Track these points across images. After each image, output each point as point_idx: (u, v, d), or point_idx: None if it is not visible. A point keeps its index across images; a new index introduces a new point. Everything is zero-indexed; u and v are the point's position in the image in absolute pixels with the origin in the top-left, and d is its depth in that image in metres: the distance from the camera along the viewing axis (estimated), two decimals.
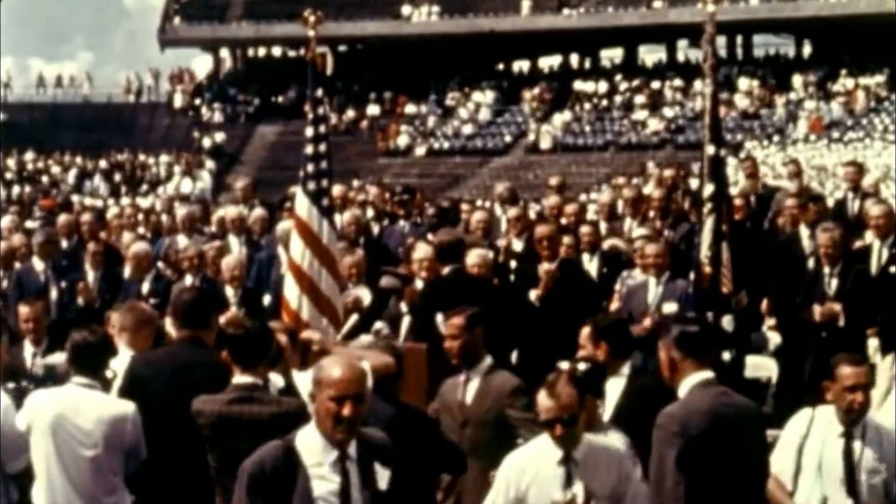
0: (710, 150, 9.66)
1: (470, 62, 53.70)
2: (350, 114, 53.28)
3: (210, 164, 50.98)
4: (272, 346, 6.74)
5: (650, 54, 57.24)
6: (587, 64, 57.06)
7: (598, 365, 7.02)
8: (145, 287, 11.96)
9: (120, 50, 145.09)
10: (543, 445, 6.06)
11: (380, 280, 10.81)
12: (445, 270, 10.24)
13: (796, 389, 10.45)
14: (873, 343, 10.57)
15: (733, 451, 6.08)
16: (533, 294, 10.83)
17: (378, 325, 10.09)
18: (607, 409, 7.20)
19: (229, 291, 11.78)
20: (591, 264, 11.86)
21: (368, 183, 24.83)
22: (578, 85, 52.65)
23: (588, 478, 5.97)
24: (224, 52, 61.15)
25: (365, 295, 10.83)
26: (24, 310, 9.44)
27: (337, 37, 50.71)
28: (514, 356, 10.53)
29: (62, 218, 15.05)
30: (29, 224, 18.20)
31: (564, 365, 6.95)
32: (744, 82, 49.09)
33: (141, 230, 15.87)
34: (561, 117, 50.73)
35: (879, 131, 42.39)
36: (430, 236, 12.25)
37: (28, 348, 9.20)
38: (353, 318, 10.31)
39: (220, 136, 53.22)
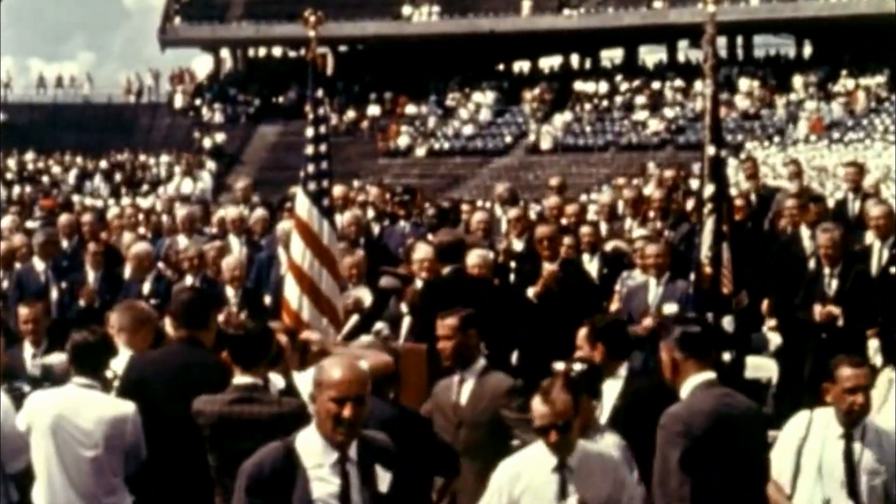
0: (710, 150, 9.65)
1: (470, 62, 53.70)
2: (350, 114, 53.28)
3: (210, 164, 50.99)
4: (272, 347, 6.74)
5: (651, 55, 57.28)
6: (587, 64, 57.06)
7: (593, 366, 7.02)
8: (146, 287, 11.96)
9: (120, 50, 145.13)
10: (537, 452, 6.01)
11: (379, 280, 10.84)
12: (445, 271, 10.24)
13: (796, 390, 10.44)
14: (873, 344, 10.57)
15: (735, 451, 6.08)
16: (531, 291, 10.82)
17: (378, 325, 10.10)
18: (604, 411, 7.20)
19: (230, 292, 11.78)
20: (591, 265, 11.86)
21: (369, 183, 24.84)
22: (579, 85, 52.65)
23: (582, 485, 5.92)
24: (224, 53, 61.16)
25: (365, 295, 10.84)
26: (23, 311, 9.44)
27: (337, 37, 50.72)
28: (514, 356, 10.54)
29: (63, 218, 15.05)
30: (29, 224, 18.19)
31: (560, 365, 6.95)
32: (744, 83, 49.10)
33: (141, 230, 15.88)
34: (561, 118, 50.74)
35: (880, 132, 42.39)
36: (430, 237, 12.25)
37: (28, 349, 9.19)
38: (354, 318, 10.33)
39: (220, 137, 53.22)
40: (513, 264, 11.74)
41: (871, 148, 39.87)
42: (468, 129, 51.68)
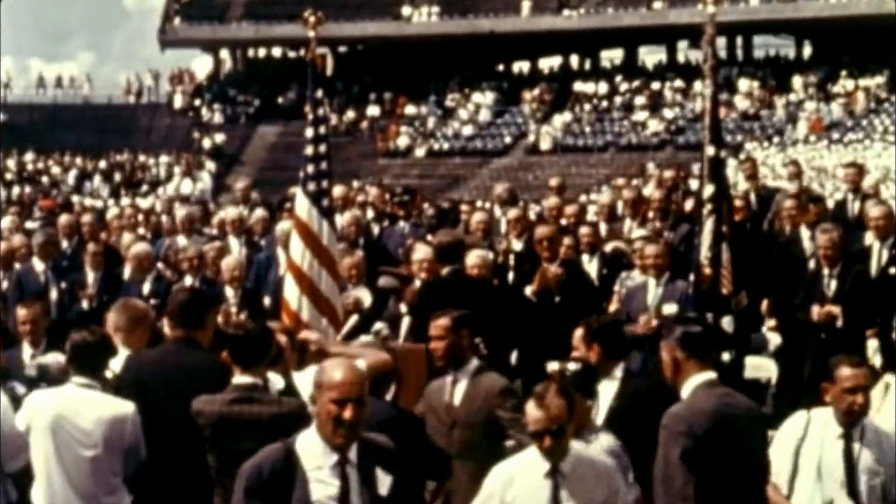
0: (710, 151, 9.65)
1: (470, 63, 53.71)
2: (350, 115, 53.29)
3: (210, 164, 51.00)
4: (272, 347, 6.74)
5: (650, 55, 57.31)
6: (587, 65, 57.07)
7: (588, 365, 7.02)
8: (146, 288, 11.95)
9: (120, 50, 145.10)
10: (530, 457, 6.00)
11: (378, 280, 10.83)
12: (444, 271, 10.24)
13: (796, 390, 10.44)
14: (872, 344, 10.57)
15: (736, 451, 6.08)
16: (528, 289, 10.81)
17: (378, 325, 10.10)
18: (601, 412, 7.20)
19: (229, 292, 11.78)
20: (590, 265, 11.85)
21: (368, 184, 24.84)
22: (578, 86, 52.66)
23: (575, 491, 5.91)
24: (224, 53, 61.17)
25: (365, 296, 10.84)
26: (21, 312, 9.42)
27: (337, 38, 50.73)
28: (513, 356, 10.54)
29: (63, 218, 15.04)
30: (29, 225, 18.19)
31: (554, 365, 6.95)
32: (744, 83, 49.11)
33: (141, 231, 15.88)
34: (561, 118, 50.75)
35: (879, 132, 42.40)
36: (429, 237, 12.25)
37: (27, 350, 9.19)
38: (353, 318, 10.33)
39: (220, 137, 53.23)
40: (512, 262, 11.73)
41: (871, 148, 39.89)
42: (468, 130, 51.69)
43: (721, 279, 9.46)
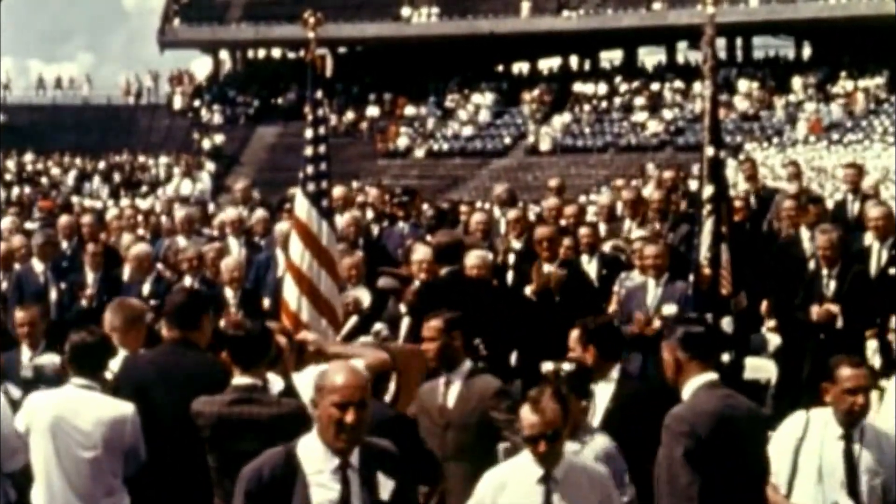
0: (709, 151, 9.66)
1: (469, 64, 53.72)
2: (350, 115, 53.30)
3: (210, 165, 51.01)
4: (272, 347, 6.74)
5: (650, 56, 57.34)
6: (587, 66, 57.08)
7: (582, 366, 7.02)
8: (146, 288, 11.95)
9: (119, 51, 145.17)
10: (523, 462, 5.96)
11: (377, 281, 10.82)
12: (443, 272, 10.23)
13: (795, 391, 10.44)
14: (872, 345, 10.57)
15: (737, 452, 6.08)
16: (528, 289, 10.81)
17: (377, 326, 10.10)
18: (597, 414, 7.19)
19: (229, 293, 11.78)
20: (589, 266, 11.85)
21: (368, 184, 24.83)
22: (578, 87, 52.68)
23: (567, 497, 5.86)
24: (224, 54, 61.19)
25: (364, 296, 10.84)
26: (19, 314, 9.40)
27: (336, 38, 50.73)
28: (512, 357, 10.54)
29: (63, 219, 15.04)
30: (28, 225, 18.18)
31: (548, 366, 6.94)
32: (743, 84, 49.13)
33: (140, 232, 15.87)
34: (560, 119, 50.76)
35: (879, 133, 42.44)
36: (429, 238, 12.24)
37: (25, 353, 9.18)
38: (353, 319, 10.32)
39: (219, 138, 53.25)
40: (511, 260, 11.72)
41: (871, 149, 39.92)
42: (467, 131, 51.70)
43: (720, 280, 9.47)
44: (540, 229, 11.62)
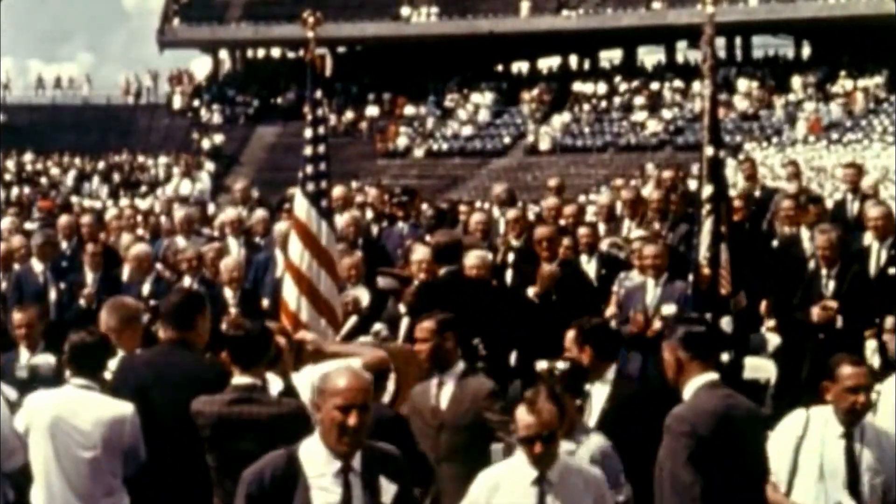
0: (708, 151, 9.66)
1: (469, 63, 53.73)
2: (349, 115, 53.30)
3: (209, 165, 51.01)
4: (271, 348, 6.73)
5: (649, 55, 57.34)
6: (586, 65, 57.09)
7: (576, 365, 7.01)
8: (146, 289, 11.95)
9: (119, 51, 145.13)
10: (517, 464, 5.93)
11: (377, 281, 10.82)
12: (442, 272, 10.22)
13: (795, 391, 10.44)
14: (871, 345, 10.57)
15: (738, 452, 6.08)
16: (531, 291, 10.81)
17: (377, 326, 10.10)
18: (593, 415, 7.19)
19: (228, 293, 11.78)
20: (589, 265, 11.84)
21: (367, 184, 24.83)
22: (577, 86, 52.68)
23: (562, 499, 5.84)
24: (223, 54, 61.19)
25: (364, 296, 10.84)
26: (17, 316, 9.39)
27: (336, 38, 50.74)
28: (512, 357, 10.53)
29: (63, 219, 15.03)
30: (28, 225, 18.17)
31: (543, 364, 6.93)
32: (743, 83, 49.14)
33: (140, 232, 15.86)
34: (560, 118, 50.76)
35: (878, 132, 42.44)
36: (428, 238, 12.23)
37: (24, 354, 9.17)
38: (352, 319, 10.32)
39: (218, 138, 53.24)
40: (511, 259, 11.72)
41: (870, 148, 39.91)
42: (467, 130, 51.70)
43: (720, 279, 9.47)
44: (540, 229, 11.62)
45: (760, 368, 11.33)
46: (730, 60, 52.25)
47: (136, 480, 6.83)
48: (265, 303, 12.08)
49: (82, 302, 12.17)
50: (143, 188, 48.86)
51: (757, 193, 14.72)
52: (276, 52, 60.03)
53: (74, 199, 41.13)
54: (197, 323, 6.96)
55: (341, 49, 56.75)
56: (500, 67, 57.42)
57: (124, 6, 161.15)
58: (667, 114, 49.02)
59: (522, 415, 5.80)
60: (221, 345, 6.76)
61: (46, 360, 8.66)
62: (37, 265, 12.75)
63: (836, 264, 10.83)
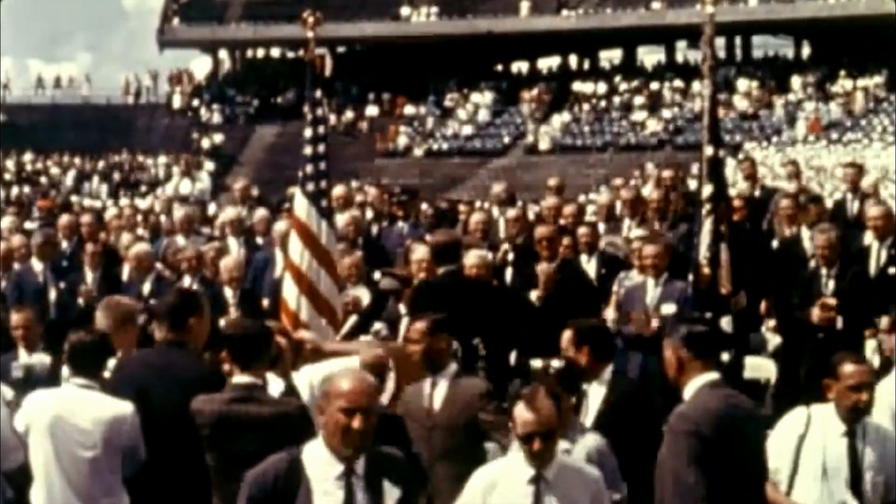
0: (708, 150, 9.65)
1: (469, 63, 53.72)
2: (349, 115, 53.31)
3: (209, 165, 51.02)
4: (272, 347, 6.73)
5: (649, 55, 57.34)
6: (586, 65, 57.10)
7: (571, 364, 7.01)
8: (146, 288, 11.95)
9: (119, 51, 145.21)
10: (514, 462, 5.90)
11: (378, 281, 10.81)
12: (441, 271, 10.21)
13: (795, 390, 10.44)
14: (871, 344, 10.57)
15: (739, 452, 6.07)
16: (533, 294, 10.82)
17: (377, 325, 10.09)
18: (589, 415, 7.19)
19: (228, 293, 11.78)
20: (588, 265, 11.85)
21: (367, 184, 24.83)
22: (577, 86, 52.69)
23: (558, 498, 5.80)
24: (223, 54, 61.20)
25: (364, 296, 10.83)
26: (14, 317, 9.36)
27: (336, 38, 50.73)
28: (512, 357, 10.53)
29: (63, 218, 15.02)
30: (28, 225, 18.17)
31: (537, 363, 6.92)
32: (743, 83, 49.15)
33: (139, 231, 15.86)
34: (560, 118, 50.77)
35: (878, 132, 42.45)
36: (428, 237, 12.23)
37: (23, 355, 9.16)
38: (352, 319, 10.32)
39: (218, 138, 53.25)
40: (511, 256, 11.71)
41: (870, 148, 39.92)
42: (466, 130, 51.71)
43: (720, 279, 9.46)
44: (540, 229, 11.63)
45: (760, 368, 11.33)
46: (730, 60, 52.25)
47: (135, 480, 6.83)
48: (265, 302, 12.07)
49: (81, 300, 12.16)
50: (143, 188, 48.87)
51: (757, 193, 14.71)
52: (275, 52, 60.04)
53: (74, 198, 41.15)
54: (189, 323, 6.94)
55: (341, 49, 56.75)
56: (499, 67, 57.43)
57: (124, 6, 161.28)
58: (667, 114, 49.03)
59: (521, 412, 5.75)
60: (221, 344, 6.76)
61: (41, 359, 8.66)
62: (37, 265, 12.74)
63: (836, 264, 10.83)
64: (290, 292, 9.65)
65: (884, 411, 7.02)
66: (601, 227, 13.36)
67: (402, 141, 51.49)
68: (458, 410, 7.21)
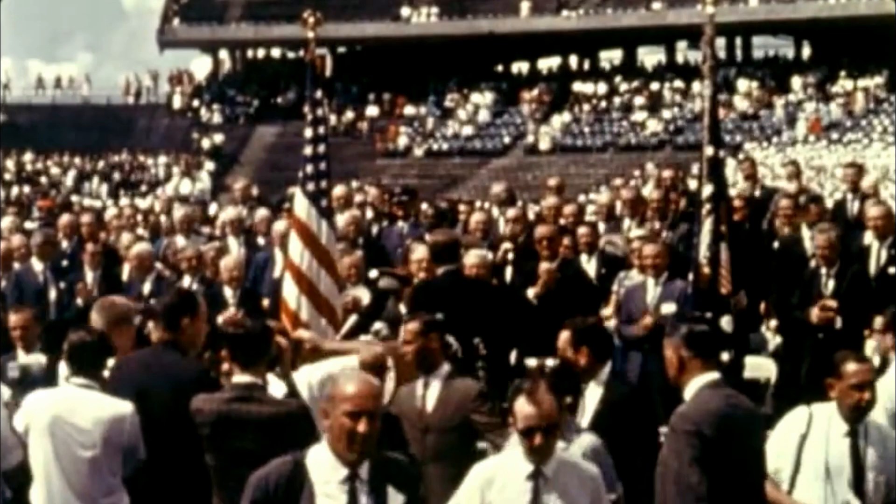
0: (708, 151, 9.66)
1: (469, 63, 53.73)
2: (349, 115, 53.32)
3: (209, 165, 51.03)
4: (272, 346, 6.73)
5: (649, 56, 57.36)
6: (586, 65, 57.11)
7: (566, 364, 7.00)
8: (147, 288, 11.95)
9: (119, 51, 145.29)
10: (513, 457, 5.86)
11: (378, 281, 10.80)
12: (440, 271, 10.20)
13: (795, 390, 10.44)
14: (871, 344, 10.57)
15: (739, 452, 6.07)
16: (531, 292, 10.82)
17: (377, 325, 10.08)
18: (586, 415, 7.18)
19: (228, 292, 11.77)
20: (588, 265, 11.85)
21: (367, 184, 24.84)
22: (577, 86, 52.71)
23: (557, 494, 5.77)
24: (223, 54, 61.21)
25: (364, 295, 10.83)
26: (12, 317, 9.34)
27: (336, 38, 50.75)
28: (511, 357, 10.53)
29: (64, 218, 15.02)
30: (28, 225, 18.17)
31: (532, 362, 6.91)
32: (743, 83, 49.16)
33: (140, 231, 15.86)
34: (560, 118, 50.79)
35: (878, 132, 42.46)
36: (428, 237, 12.22)
37: (22, 356, 9.16)
38: (352, 318, 10.31)
39: (218, 138, 53.25)
40: (510, 255, 11.71)
41: (870, 148, 39.95)
42: (467, 130, 51.73)
43: (720, 279, 9.47)
44: (540, 228, 11.63)
45: (760, 368, 11.34)
46: (730, 60, 52.27)
47: (135, 480, 6.83)
48: (265, 302, 12.07)
49: (79, 300, 12.16)
50: (143, 188, 48.89)
51: (757, 193, 14.71)
52: (276, 52, 60.05)
53: (74, 198, 41.18)
54: (182, 324, 6.93)
55: (341, 49, 56.77)
56: (499, 67, 57.44)
57: (124, 6, 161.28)
58: (667, 114, 49.04)
59: (522, 406, 5.71)
60: (221, 343, 6.75)
61: (38, 359, 8.65)
62: (37, 264, 12.74)
63: (836, 264, 10.83)
64: (290, 292, 9.64)
65: (880, 411, 7.03)
66: (601, 226, 13.36)
67: (403, 141, 51.50)
68: (451, 411, 7.20)
